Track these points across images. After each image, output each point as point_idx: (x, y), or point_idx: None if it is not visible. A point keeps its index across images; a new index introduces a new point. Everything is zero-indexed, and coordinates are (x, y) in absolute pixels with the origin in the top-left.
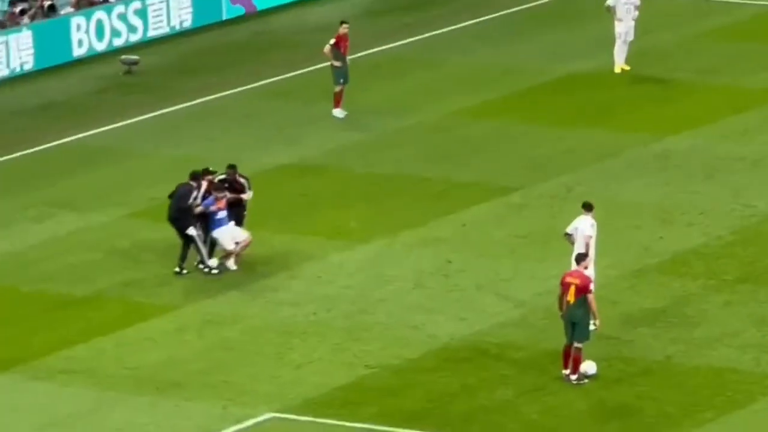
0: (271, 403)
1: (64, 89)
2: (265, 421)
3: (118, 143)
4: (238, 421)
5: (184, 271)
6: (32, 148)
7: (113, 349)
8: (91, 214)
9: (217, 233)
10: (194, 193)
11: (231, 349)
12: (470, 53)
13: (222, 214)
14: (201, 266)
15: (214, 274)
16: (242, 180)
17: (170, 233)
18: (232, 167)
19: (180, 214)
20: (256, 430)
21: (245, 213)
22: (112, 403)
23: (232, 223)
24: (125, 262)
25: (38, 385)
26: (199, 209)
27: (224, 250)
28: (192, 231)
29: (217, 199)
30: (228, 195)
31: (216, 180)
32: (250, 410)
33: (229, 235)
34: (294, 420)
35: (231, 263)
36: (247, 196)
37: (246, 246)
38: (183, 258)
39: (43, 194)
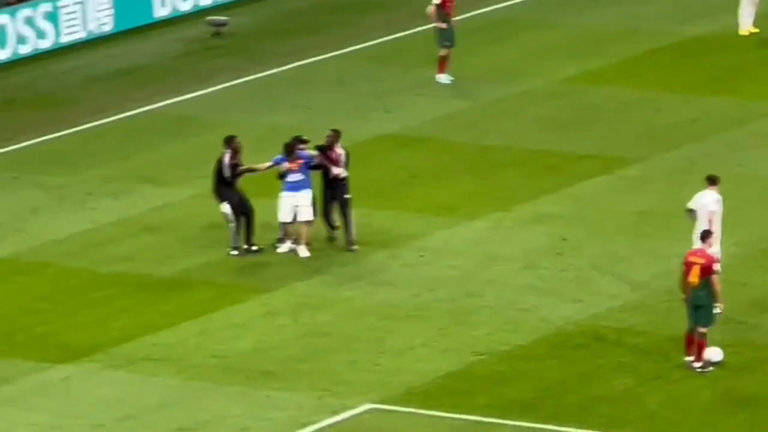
0: (371, 393)
1: (145, 53)
2: (363, 412)
3: (204, 112)
4: (335, 413)
5: (254, 248)
6: (110, 117)
7: (199, 335)
8: (174, 189)
9: (282, 196)
10: (225, 161)
11: (326, 334)
12: (584, 14)
13: (295, 176)
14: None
15: (253, 252)
16: (340, 151)
17: (261, 209)
18: (335, 132)
19: (216, 187)
20: (354, 423)
21: (345, 196)
22: (198, 394)
23: (308, 193)
24: (211, 241)
25: (118, 374)
26: (264, 165)
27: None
28: (224, 208)
29: (291, 159)
30: (314, 157)
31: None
32: (348, 401)
33: (290, 204)
34: (395, 411)
35: (302, 249)
36: (335, 171)
37: (304, 230)
38: (247, 235)
39: (121, 167)
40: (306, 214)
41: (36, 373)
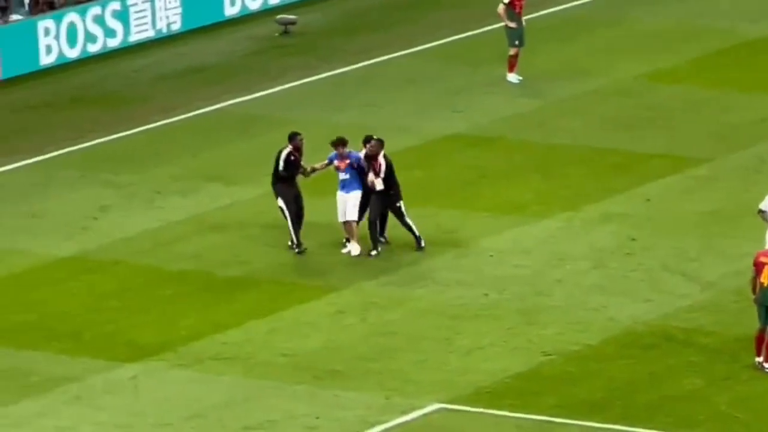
0: (439, 392)
1: (214, 52)
2: (432, 412)
3: (272, 110)
4: (403, 413)
5: (297, 248)
6: (179, 115)
7: (267, 333)
8: (242, 188)
9: (337, 195)
10: (282, 155)
11: (394, 334)
12: (653, 12)
13: (343, 176)
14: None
15: (297, 252)
16: (382, 161)
17: (326, 208)
18: (378, 141)
19: (273, 182)
20: (423, 423)
21: (397, 204)
22: (266, 393)
23: (357, 192)
24: (278, 240)
25: (186, 372)
26: (323, 164)
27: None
28: (279, 203)
29: (341, 157)
30: (361, 160)
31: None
32: (416, 401)
33: (341, 203)
34: (464, 411)
35: (353, 247)
36: (370, 178)
37: (350, 228)
38: (294, 233)
39: (189, 165)
40: (350, 213)
41: (104, 372)
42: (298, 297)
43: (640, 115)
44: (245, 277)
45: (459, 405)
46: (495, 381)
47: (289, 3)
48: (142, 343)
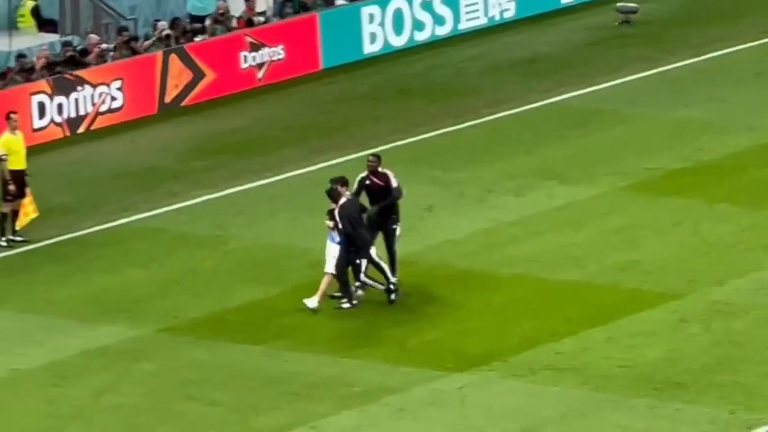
0: None
1: (549, 42)
2: None
3: (612, 104)
4: (749, 428)
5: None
6: (512, 109)
7: (604, 343)
8: (579, 187)
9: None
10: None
11: (741, 344)
12: None
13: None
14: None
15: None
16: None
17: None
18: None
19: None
20: None
21: (394, 231)
22: (602, 405)
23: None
24: (622, 242)
25: (517, 383)
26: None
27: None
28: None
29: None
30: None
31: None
32: (763, 415)
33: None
34: None
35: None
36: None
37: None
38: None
39: (523, 162)
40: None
41: (429, 382)
42: (638, 304)
43: None
44: (582, 282)
45: None
46: None
47: None
48: (471, 351)
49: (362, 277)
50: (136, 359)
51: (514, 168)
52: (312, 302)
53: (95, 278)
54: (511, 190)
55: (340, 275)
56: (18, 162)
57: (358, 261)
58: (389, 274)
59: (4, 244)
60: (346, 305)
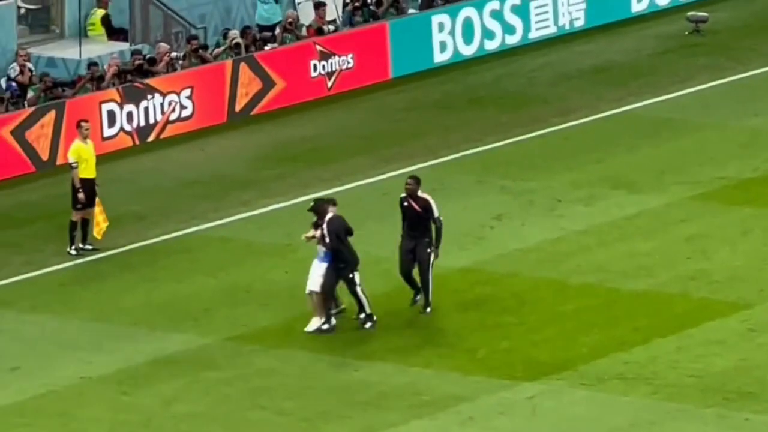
0: None
1: (619, 50)
2: None
3: (682, 114)
4: None
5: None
6: (581, 118)
7: (674, 352)
8: (649, 196)
9: None
10: None
11: None
12: None
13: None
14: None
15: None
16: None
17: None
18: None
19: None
20: None
21: (429, 256)
22: (672, 415)
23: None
24: (694, 252)
25: (587, 393)
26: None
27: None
28: None
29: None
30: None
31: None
32: None
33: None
34: None
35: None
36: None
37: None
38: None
39: (592, 171)
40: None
41: (499, 392)
42: (708, 313)
43: None
44: (651, 291)
45: None
46: None
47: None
48: (541, 361)
49: (357, 289)
50: (204, 368)
51: (583, 177)
52: (312, 326)
53: (164, 287)
54: (581, 199)
55: (328, 294)
56: (88, 170)
57: (351, 275)
58: (366, 307)
59: (74, 253)
60: (368, 325)
